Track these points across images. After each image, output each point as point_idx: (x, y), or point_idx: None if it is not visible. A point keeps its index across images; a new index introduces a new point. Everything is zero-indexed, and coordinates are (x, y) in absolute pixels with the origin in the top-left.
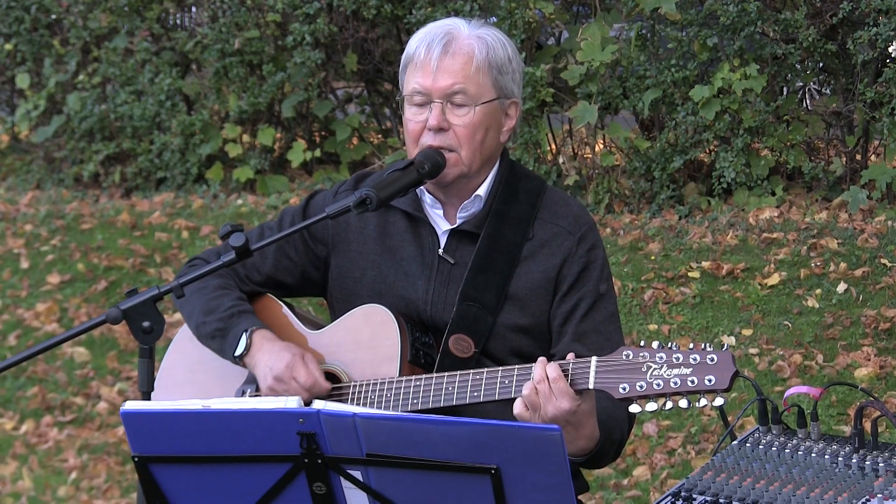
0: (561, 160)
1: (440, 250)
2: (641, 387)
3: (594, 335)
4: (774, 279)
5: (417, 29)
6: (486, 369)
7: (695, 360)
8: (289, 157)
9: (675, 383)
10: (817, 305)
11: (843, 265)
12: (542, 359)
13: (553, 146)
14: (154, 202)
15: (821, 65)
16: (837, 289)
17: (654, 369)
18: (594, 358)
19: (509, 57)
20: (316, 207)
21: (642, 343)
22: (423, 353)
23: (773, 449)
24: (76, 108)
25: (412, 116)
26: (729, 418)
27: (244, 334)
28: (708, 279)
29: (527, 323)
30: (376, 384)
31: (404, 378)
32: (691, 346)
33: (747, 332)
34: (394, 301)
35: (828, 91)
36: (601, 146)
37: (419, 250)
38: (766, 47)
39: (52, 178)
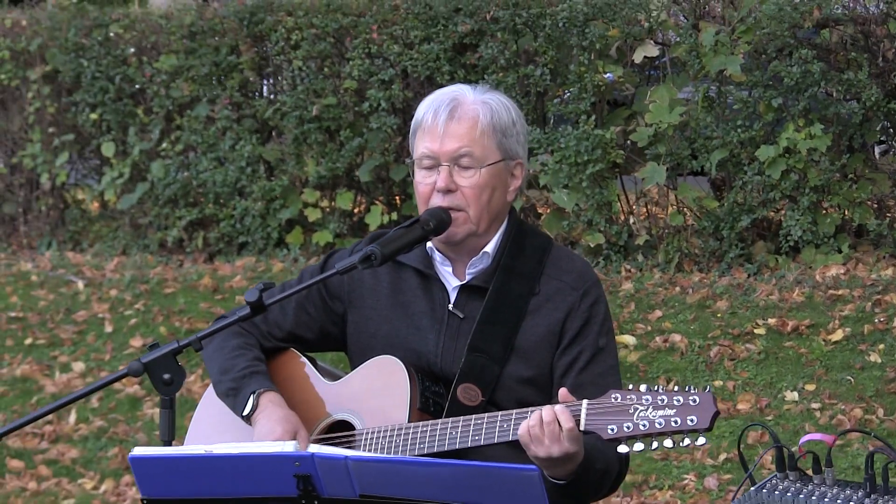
0: (631, 220)
1: (450, 305)
2: (629, 428)
3: (591, 387)
4: (838, 335)
5: None
6: (486, 414)
7: (678, 401)
8: (367, 220)
9: (660, 424)
10: (880, 360)
11: None
12: (542, 407)
13: (624, 206)
14: (236, 266)
15: (886, 123)
16: None
17: (641, 411)
18: (585, 401)
19: (513, 120)
20: (333, 265)
21: (630, 386)
22: (432, 401)
23: (789, 494)
24: (160, 175)
25: (422, 179)
26: None
27: (252, 395)
28: (773, 336)
29: (531, 374)
30: (386, 430)
31: (412, 424)
32: (676, 388)
33: (810, 387)
34: (406, 354)
35: (886, 149)
36: (673, 206)
37: (430, 305)
38: (831, 107)
39: (137, 243)
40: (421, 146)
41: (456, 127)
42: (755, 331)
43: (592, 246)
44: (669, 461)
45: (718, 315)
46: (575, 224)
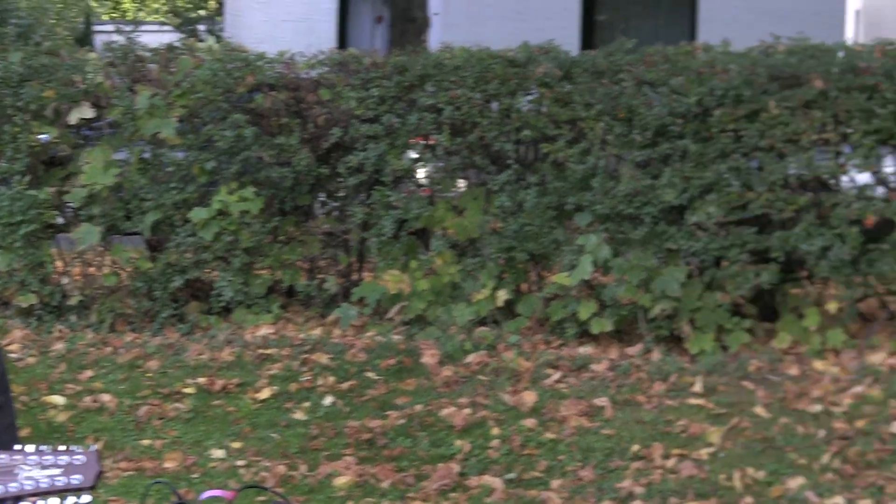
0: (65, 281)
1: None
2: (14, 488)
3: None
4: (266, 393)
5: None
6: None
7: (63, 461)
8: None
9: (45, 484)
10: (305, 418)
11: (331, 379)
12: None
13: (59, 267)
14: None
15: (316, 187)
16: (324, 401)
17: (27, 471)
18: None
19: None
20: None
21: (17, 447)
22: None
23: None
24: None
25: None
26: None
27: None
28: (202, 395)
29: None
30: None
31: None
32: (63, 448)
33: (237, 444)
34: None
35: (324, 212)
36: (108, 267)
37: None
38: (263, 170)
39: None
40: None
41: None
42: (185, 390)
43: (25, 306)
44: None
45: (149, 375)
46: (8, 284)
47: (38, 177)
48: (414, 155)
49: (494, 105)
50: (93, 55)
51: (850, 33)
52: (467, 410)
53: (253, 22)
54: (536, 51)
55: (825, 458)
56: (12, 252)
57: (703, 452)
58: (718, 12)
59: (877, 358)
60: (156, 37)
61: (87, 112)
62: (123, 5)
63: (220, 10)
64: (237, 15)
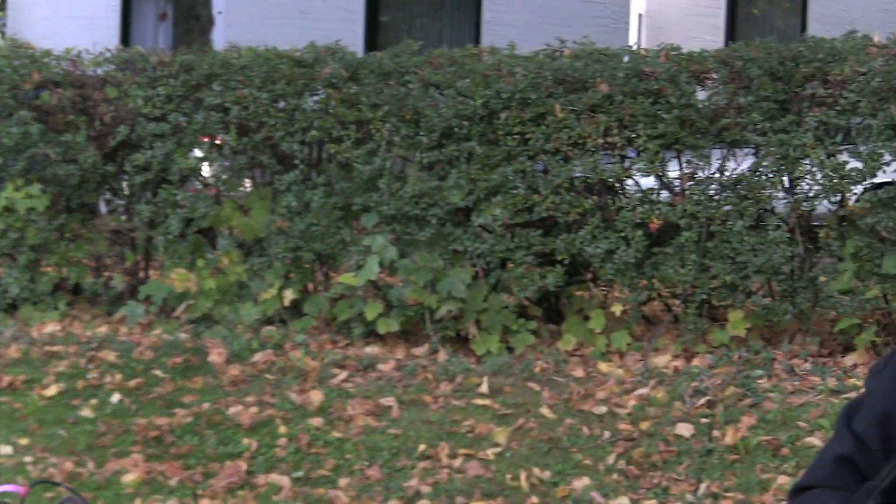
0: None
1: None
2: None
3: None
4: (53, 390)
5: None
6: None
7: None
8: None
9: None
10: (92, 415)
11: (119, 376)
12: None
13: None
14: None
15: (102, 185)
16: (112, 399)
17: None
18: None
19: None
20: None
21: None
22: None
23: None
24: None
25: None
26: None
27: None
28: None
29: None
30: None
31: None
32: None
33: (24, 441)
34: None
35: (110, 210)
36: None
37: None
38: (49, 168)
39: None
40: None
41: None
42: None
43: None
44: None
45: None
46: None
47: None
48: (200, 154)
49: (281, 105)
50: None
51: (634, 37)
52: (254, 409)
53: (35, 18)
54: (323, 51)
55: (610, 459)
56: None
57: (490, 452)
58: (502, 15)
59: (661, 360)
60: None
61: None
62: None
63: (2, 6)
64: (19, 11)
